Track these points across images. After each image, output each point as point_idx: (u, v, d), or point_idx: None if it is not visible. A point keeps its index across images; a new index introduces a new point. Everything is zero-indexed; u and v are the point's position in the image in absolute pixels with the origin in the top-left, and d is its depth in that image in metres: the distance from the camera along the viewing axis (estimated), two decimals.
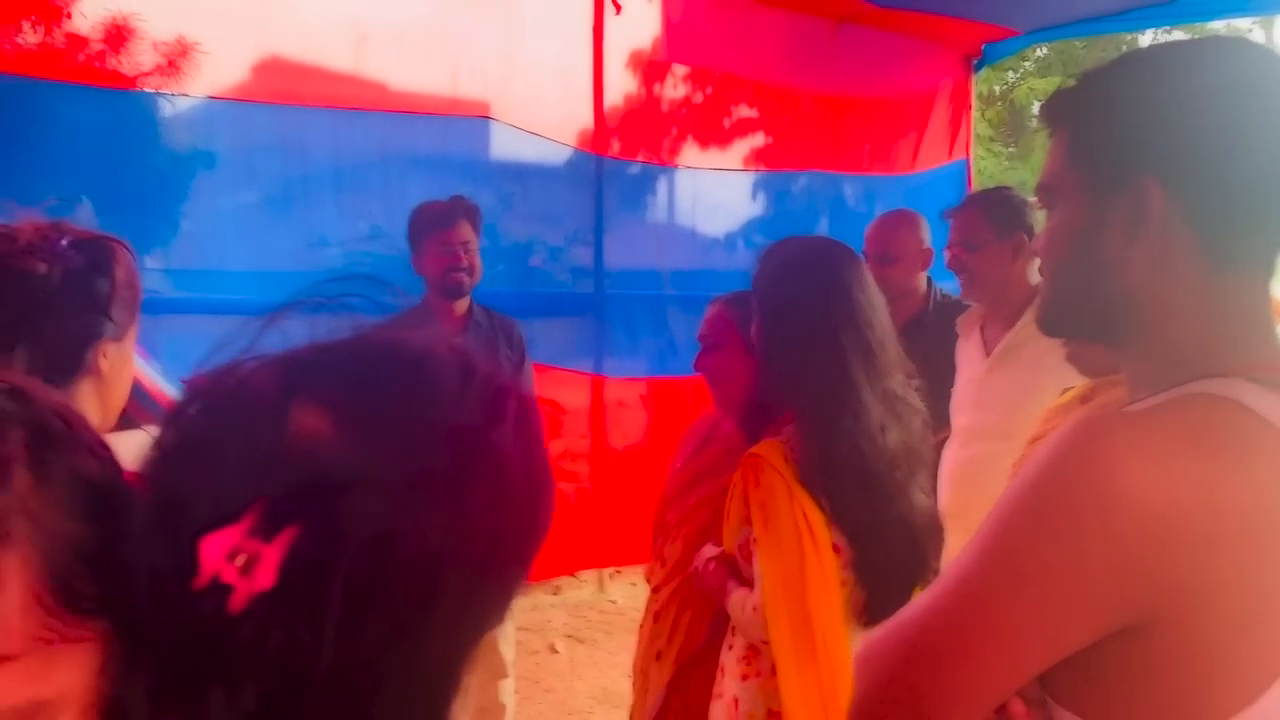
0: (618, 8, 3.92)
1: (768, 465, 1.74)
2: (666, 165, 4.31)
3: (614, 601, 4.77)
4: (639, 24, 4.09)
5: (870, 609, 1.76)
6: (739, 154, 4.51)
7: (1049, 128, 0.96)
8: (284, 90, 3.37)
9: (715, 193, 4.44)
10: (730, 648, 1.88)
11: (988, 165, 12.76)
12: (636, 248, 4.20)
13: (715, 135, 4.44)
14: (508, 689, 3.07)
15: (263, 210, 3.50)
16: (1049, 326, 0.98)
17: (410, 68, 3.54)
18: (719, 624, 1.96)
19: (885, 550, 1.73)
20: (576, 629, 4.47)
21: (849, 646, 1.74)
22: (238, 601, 0.51)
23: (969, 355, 2.70)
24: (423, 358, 0.64)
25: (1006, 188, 2.98)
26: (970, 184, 5.33)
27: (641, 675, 2.15)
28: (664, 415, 4.30)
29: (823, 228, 4.80)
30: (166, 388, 2.27)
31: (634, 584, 4.84)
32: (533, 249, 4.14)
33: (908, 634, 0.85)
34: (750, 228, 4.72)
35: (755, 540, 1.75)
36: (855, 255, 1.85)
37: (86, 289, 1.27)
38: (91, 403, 1.28)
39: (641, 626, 2.21)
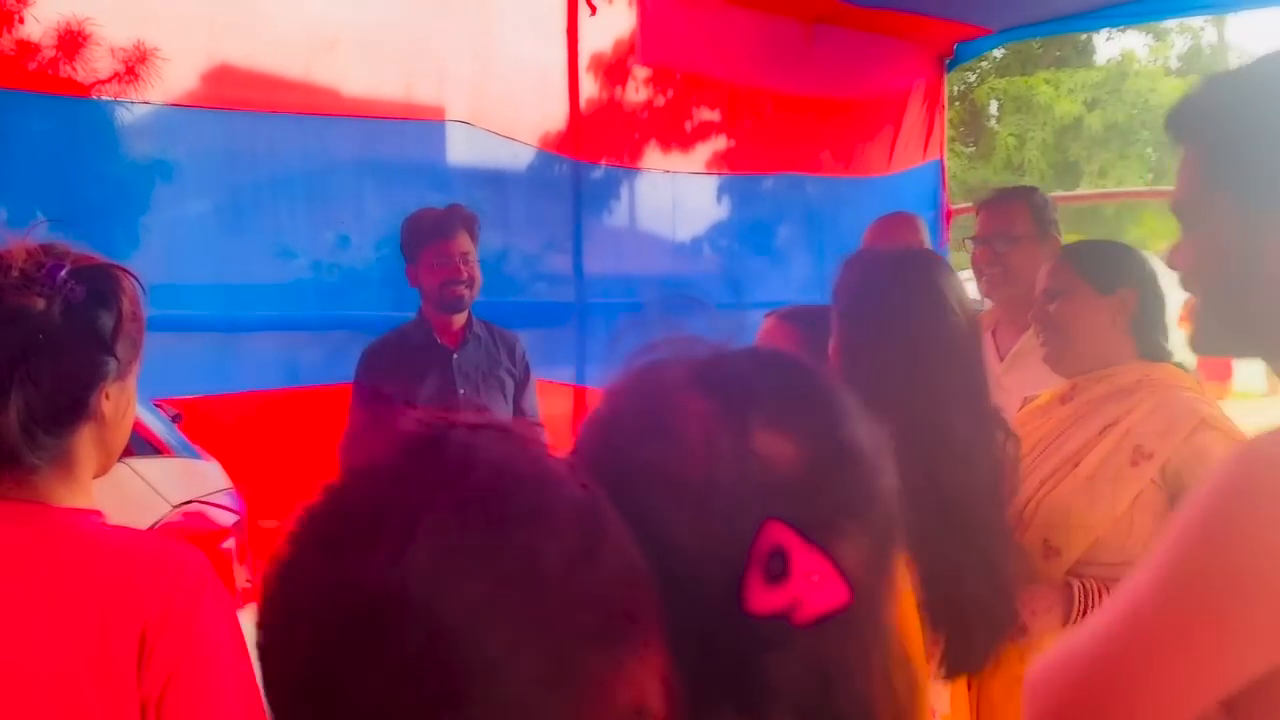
0: (593, 9, 3.82)
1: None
2: (641, 169, 4.21)
3: None
4: (611, 26, 4.00)
5: (949, 658, 1.56)
6: (714, 158, 4.42)
7: (1178, 141, 0.92)
8: (241, 97, 3.24)
9: (691, 197, 4.36)
10: None
11: (950, 165, 12.84)
12: (614, 254, 4.10)
13: (689, 138, 4.36)
14: None
15: (225, 221, 3.37)
16: (1205, 346, 0.95)
17: (379, 73, 3.42)
18: None
19: (965, 593, 1.53)
20: None
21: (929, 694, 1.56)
22: (806, 618, 0.53)
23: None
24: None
25: (1034, 188, 2.92)
26: (944, 184, 5.30)
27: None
28: None
29: (799, 230, 4.74)
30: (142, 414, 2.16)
31: None
32: (506, 257, 4.04)
33: (1081, 663, 0.83)
34: (725, 231, 4.64)
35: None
36: (948, 265, 1.71)
37: (89, 325, 1.12)
38: (90, 450, 1.15)
39: None
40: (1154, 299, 2.03)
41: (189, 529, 1.77)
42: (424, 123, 3.53)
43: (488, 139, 3.65)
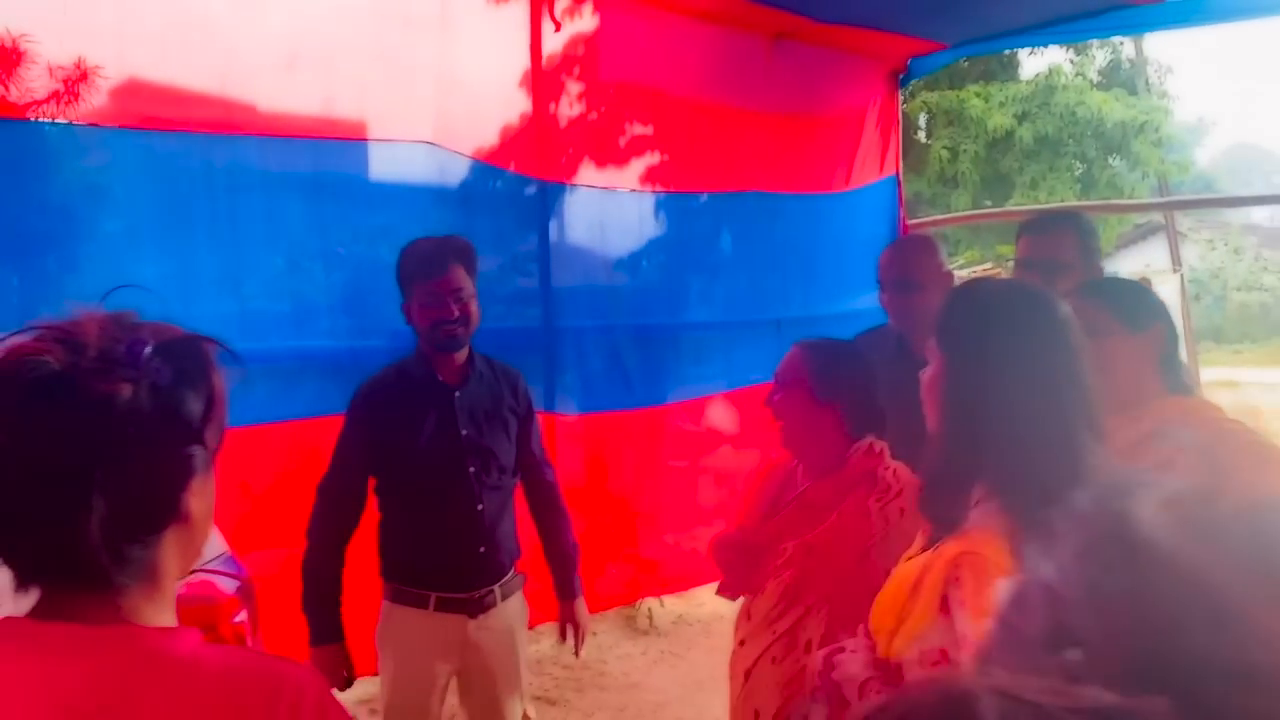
0: (556, 25, 3.72)
1: (994, 568, 1.43)
2: (605, 187, 4.10)
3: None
4: (576, 42, 3.89)
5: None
6: (679, 175, 4.33)
7: None
8: (185, 117, 3.06)
9: (656, 215, 4.27)
10: None
11: None
12: (582, 273, 3.99)
13: (651, 155, 4.26)
14: None
15: (165, 246, 3.17)
16: None
17: (338, 91, 3.26)
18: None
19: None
20: (544, 689, 4.19)
21: None
22: None
23: None
24: None
25: (1080, 214, 2.95)
26: (901, 200, 5.29)
27: None
28: (613, 451, 4.09)
29: (765, 248, 4.68)
30: None
31: (594, 633, 4.61)
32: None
33: None
34: (690, 249, 4.56)
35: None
36: (1060, 300, 1.59)
37: (177, 411, 0.94)
38: (174, 556, 0.98)
39: (731, 680, 2.19)
40: (1174, 334, 2.01)
41: (198, 600, 1.61)
42: (386, 143, 3.37)
43: (452, 159, 3.52)
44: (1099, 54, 14.12)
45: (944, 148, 12.27)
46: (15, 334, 0.92)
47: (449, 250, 2.66)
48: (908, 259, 2.97)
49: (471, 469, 2.68)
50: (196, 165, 3.04)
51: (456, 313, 2.61)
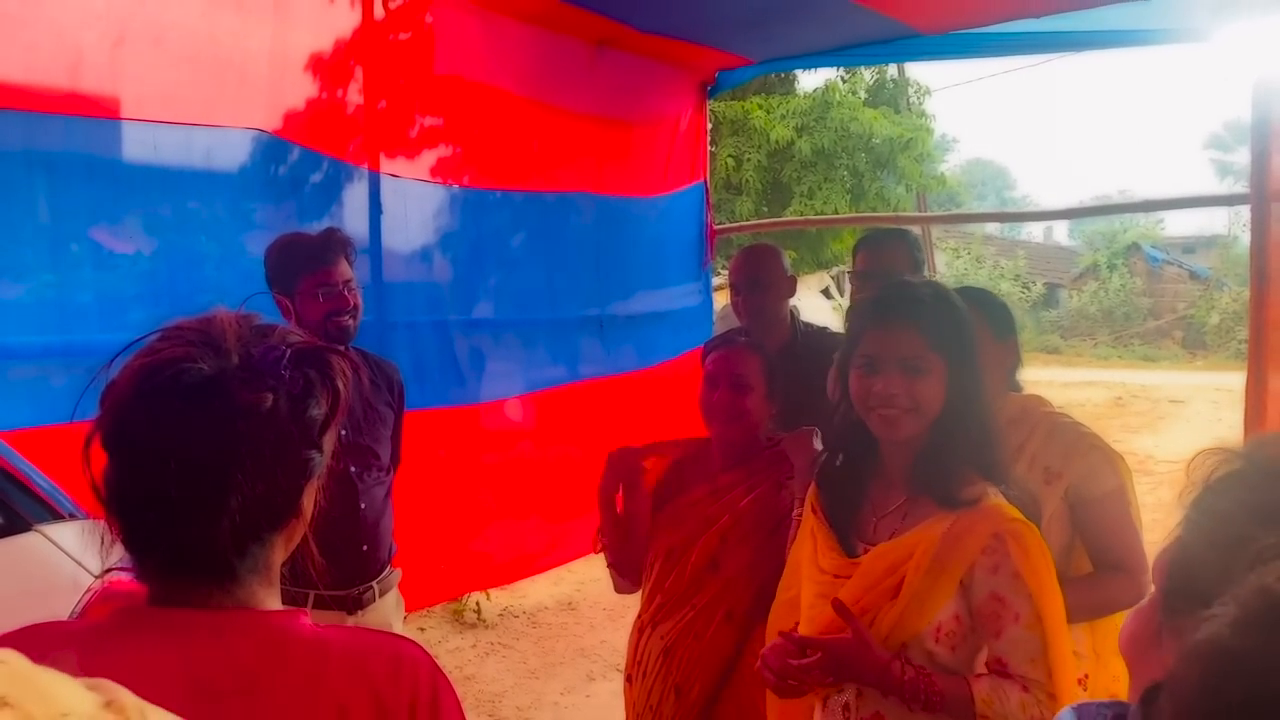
0: (387, 12, 3.69)
1: (1036, 534, 1.61)
2: (422, 179, 4.09)
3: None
4: (403, 34, 3.87)
5: None
6: (497, 171, 4.37)
7: None
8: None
9: (471, 210, 4.29)
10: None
11: None
12: (411, 267, 3.97)
13: (474, 150, 4.28)
14: None
15: None
16: None
17: (170, 74, 3.12)
18: (733, 658, 2.10)
19: None
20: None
21: None
22: None
23: None
24: None
25: (908, 230, 3.27)
26: (709, 205, 5.54)
27: (653, 711, 2.22)
28: (432, 448, 4.09)
29: (582, 247, 4.80)
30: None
31: (421, 629, 4.56)
32: None
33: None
34: (495, 245, 4.59)
35: (1021, 618, 1.58)
36: None
37: (305, 419, 0.99)
38: (281, 549, 1.04)
39: (636, 663, 2.30)
40: (1019, 346, 2.30)
41: (120, 597, 1.54)
42: (219, 129, 3.25)
43: (281, 146, 3.43)
44: (866, 73, 15.11)
45: (730, 156, 12.81)
46: (158, 335, 0.97)
47: (334, 242, 2.64)
48: (755, 262, 3.20)
49: (352, 469, 2.66)
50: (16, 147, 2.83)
51: (350, 303, 2.59)
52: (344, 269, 2.62)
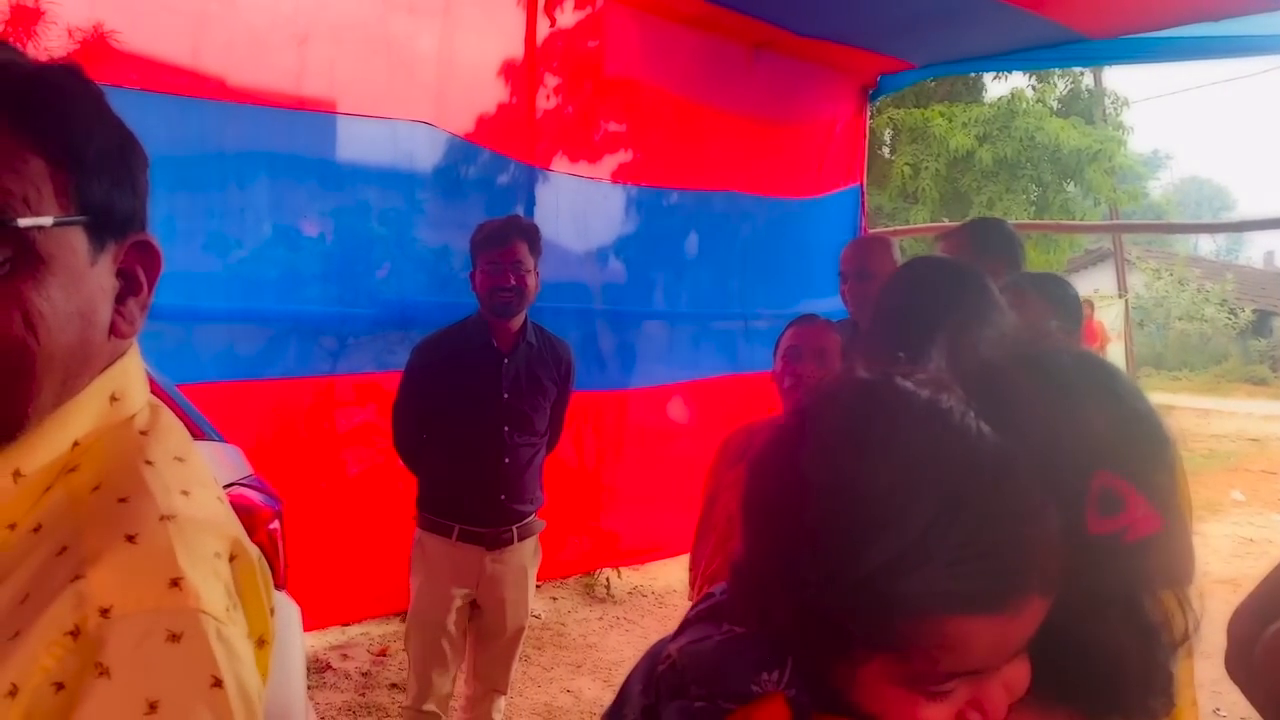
0: (551, 20, 3.93)
1: None
2: (587, 177, 4.32)
3: (537, 616, 4.72)
4: (567, 37, 4.10)
5: None
6: (660, 170, 4.56)
7: None
8: (203, 85, 3.22)
9: (636, 207, 4.49)
10: None
11: None
12: (561, 260, 4.19)
13: (639, 150, 4.48)
14: (501, 706, 3.15)
15: (184, 211, 3.34)
16: None
17: (343, 70, 3.44)
18: None
19: None
20: None
21: None
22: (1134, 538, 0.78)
23: None
24: None
25: (999, 219, 3.23)
26: (864, 209, 5.56)
27: None
28: (583, 429, 4.31)
29: (733, 247, 4.92)
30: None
31: (554, 598, 4.81)
32: (449, 256, 4.08)
33: None
34: (658, 243, 4.78)
35: None
36: None
37: None
38: None
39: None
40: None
41: (237, 510, 1.79)
42: (386, 121, 3.56)
43: (447, 140, 3.71)
44: (1060, 82, 14.55)
45: (906, 164, 12.61)
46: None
47: (514, 227, 2.94)
48: (864, 252, 3.29)
49: (505, 428, 2.96)
50: (212, 132, 3.20)
51: (513, 281, 2.87)
52: (518, 251, 2.89)
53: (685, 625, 0.93)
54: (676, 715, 0.82)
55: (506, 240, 2.89)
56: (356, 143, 3.54)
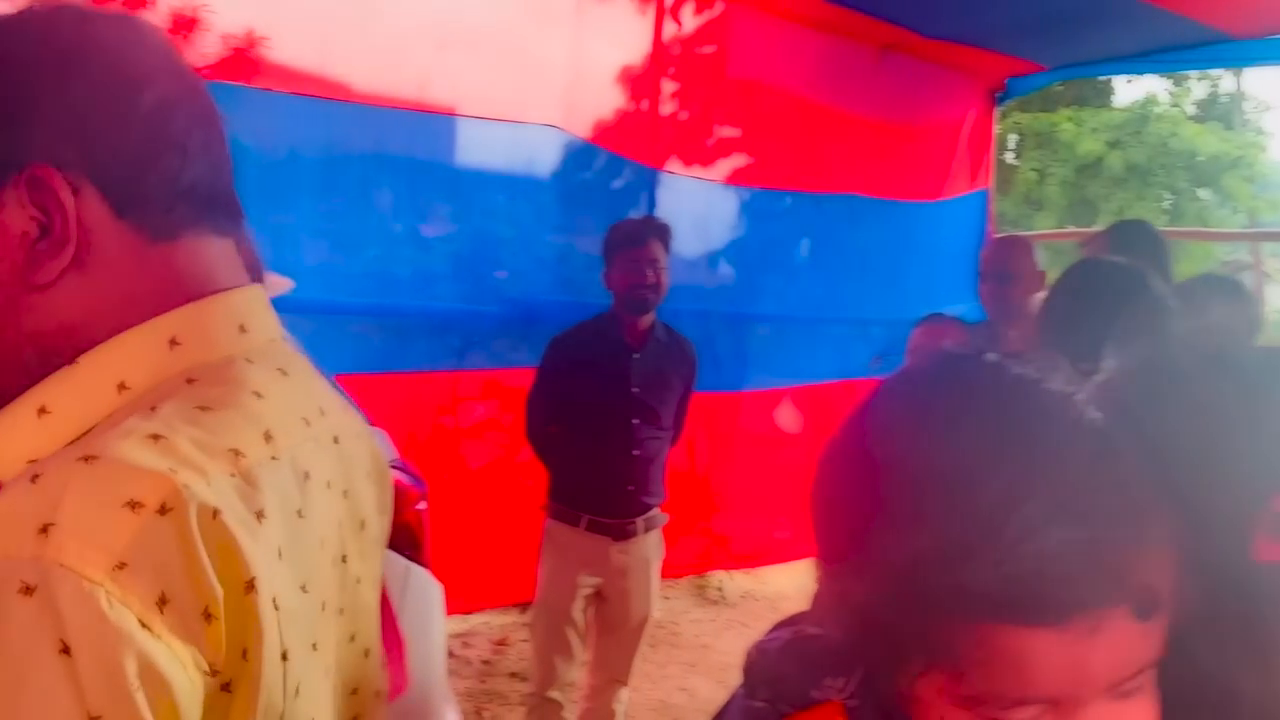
0: (678, 22, 3.97)
1: None
2: (714, 181, 4.34)
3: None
4: (693, 40, 4.14)
5: None
6: (784, 173, 4.56)
7: None
8: (342, 87, 3.35)
9: (759, 211, 4.50)
10: None
11: None
12: (679, 261, 4.22)
13: (763, 153, 4.49)
14: (624, 699, 3.21)
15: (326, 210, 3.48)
16: None
17: (475, 74, 3.54)
18: None
19: None
20: None
21: None
22: None
23: None
24: None
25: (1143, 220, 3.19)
26: (990, 213, 5.44)
27: None
28: (697, 430, 4.32)
29: (857, 249, 4.88)
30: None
31: (666, 598, 4.84)
32: (572, 258, 4.15)
33: None
34: (775, 245, 4.77)
35: None
36: None
37: None
38: None
39: None
40: None
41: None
42: (513, 124, 3.65)
43: (574, 143, 3.78)
44: (1197, 86, 14.00)
45: (1032, 169, 12.30)
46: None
47: (650, 227, 3.05)
48: (1005, 254, 3.24)
49: (634, 421, 3.05)
50: (349, 135, 3.33)
51: (650, 278, 2.96)
52: (654, 250, 2.98)
53: (776, 625, 0.89)
54: (737, 714, 0.81)
55: (644, 239, 2.98)
56: (484, 146, 3.63)
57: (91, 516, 0.57)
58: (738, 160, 4.47)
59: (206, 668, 0.60)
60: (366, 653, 0.87)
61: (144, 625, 0.57)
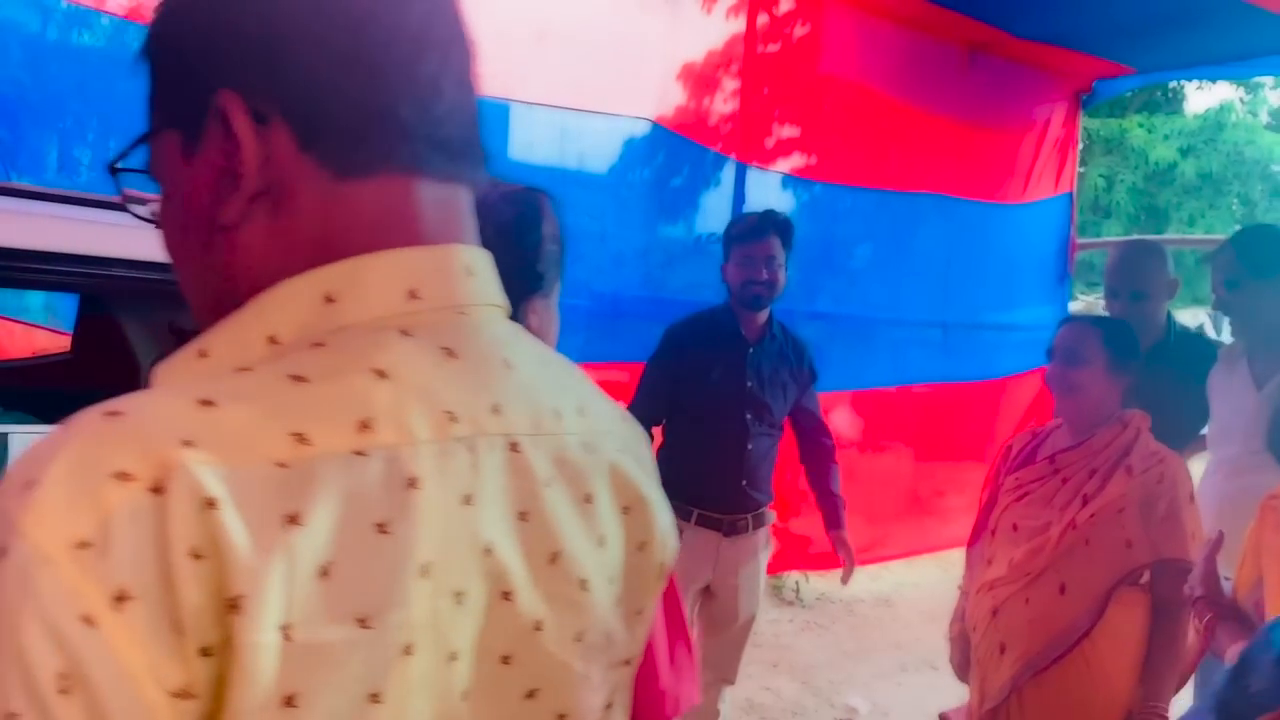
0: (771, 16, 3.96)
1: None
2: (805, 177, 4.33)
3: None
4: (783, 36, 4.13)
5: None
6: (874, 171, 4.53)
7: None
8: None
9: (850, 208, 4.47)
10: None
11: None
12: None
13: (855, 150, 4.46)
14: (727, 698, 3.19)
15: None
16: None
17: (575, 68, 3.56)
18: (1065, 627, 2.20)
19: None
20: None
21: None
22: None
23: (1234, 386, 2.73)
24: None
25: (1268, 225, 3.05)
26: (1074, 217, 5.36)
27: (980, 665, 2.36)
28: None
29: (940, 250, 4.83)
30: None
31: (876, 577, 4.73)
32: (658, 251, 4.15)
33: None
34: (862, 243, 4.74)
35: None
36: None
37: (517, 245, 1.22)
38: None
39: (971, 621, 2.43)
40: None
41: None
42: (608, 115, 3.66)
43: (667, 136, 3.79)
44: (1271, 95, 13.68)
45: (1100, 175, 12.07)
46: None
47: (770, 222, 3.01)
48: (1138, 268, 3.06)
49: (748, 415, 3.04)
50: None
51: (765, 275, 2.95)
52: (771, 246, 2.95)
53: None
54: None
55: (762, 234, 2.95)
56: (581, 137, 3.65)
57: (74, 480, 0.49)
58: (826, 156, 4.44)
59: (177, 689, 0.49)
60: (561, 718, 0.70)
61: (88, 621, 0.48)
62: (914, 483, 4.96)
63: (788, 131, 4.27)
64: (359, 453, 0.56)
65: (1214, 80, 11.01)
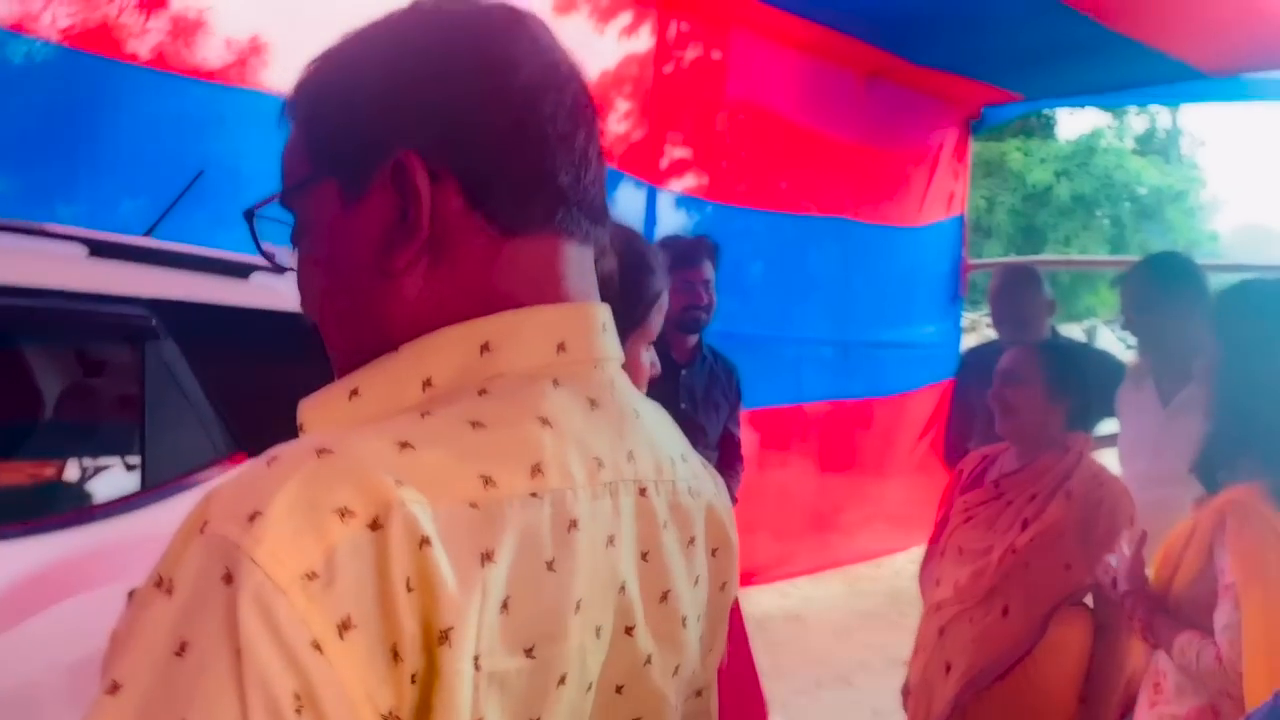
0: (677, 43, 4.00)
1: (1254, 512, 1.73)
2: (706, 199, 4.37)
3: None
4: (692, 62, 4.17)
5: None
6: (778, 194, 4.60)
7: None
8: None
9: (740, 229, 4.52)
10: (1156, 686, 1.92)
11: None
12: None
13: (760, 173, 4.53)
14: None
15: None
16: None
17: None
18: (1008, 647, 2.23)
19: None
20: None
21: None
22: None
23: (1142, 403, 2.82)
24: None
25: (1176, 253, 3.22)
26: (965, 239, 5.55)
27: (926, 685, 2.38)
28: None
29: (840, 271, 4.92)
30: None
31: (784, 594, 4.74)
32: None
33: None
34: (767, 266, 4.81)
35: (1230, 587, 1.72)
36: None
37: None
38: None
39: (919, 641, 2.47)
40: None
41: None
42: None
43: None
44: (1136, 121, 14.45)
45: (981, 197, 12.57)
46: None
47: (703, 247, 3.02)
48: (1014, 299, 3.30)
49: None
50: None
51: (705, 299, 2.96)
52: (706, 270, 2.98)
53: None
54: None
55: (698, 260, 2.96)
56: None
57: (298, 515, 0.53)
58: (731, 179, 4.50)
59: (387, 711, 0.53)
60: None
61: (317, 647, 0.52)
62: (817, 499, 5.04)
63: (680, 152, 4.31)
64: (534, 495, 0.62)
65: (1102, 107, 11.55)
